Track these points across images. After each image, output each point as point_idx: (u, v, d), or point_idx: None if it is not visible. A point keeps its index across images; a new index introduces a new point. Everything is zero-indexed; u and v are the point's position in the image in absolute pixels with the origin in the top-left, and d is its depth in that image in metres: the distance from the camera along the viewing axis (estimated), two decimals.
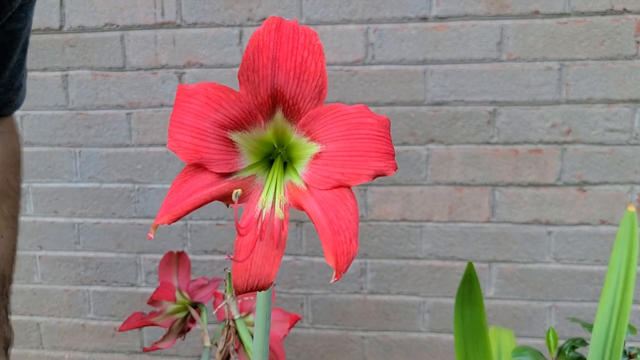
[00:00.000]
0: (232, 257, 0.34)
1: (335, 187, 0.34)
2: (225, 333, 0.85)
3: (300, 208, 0.35)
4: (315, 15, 1.28)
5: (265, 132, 0.36)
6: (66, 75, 1.39)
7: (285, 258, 1.38)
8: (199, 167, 0.34)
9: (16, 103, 0.76)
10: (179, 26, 1.33)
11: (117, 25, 1.34)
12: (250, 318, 0.88)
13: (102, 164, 1.41)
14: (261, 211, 0.35)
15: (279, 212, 0.35)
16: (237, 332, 0.85)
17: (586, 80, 1.24)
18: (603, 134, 1.25)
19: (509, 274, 1.33)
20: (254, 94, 0.34)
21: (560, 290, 1.32)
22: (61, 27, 1.37)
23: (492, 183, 1.30)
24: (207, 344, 0.87)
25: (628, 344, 0.78)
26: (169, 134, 0.34)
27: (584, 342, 0.84)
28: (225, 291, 0.83)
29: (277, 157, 0.37)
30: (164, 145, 1.38)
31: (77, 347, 1.51)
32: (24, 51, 0.72)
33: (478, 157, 1.29)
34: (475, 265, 1.32)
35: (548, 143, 1.27)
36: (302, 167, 0.36)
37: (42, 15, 1.36)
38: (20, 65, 0.72)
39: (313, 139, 0.34)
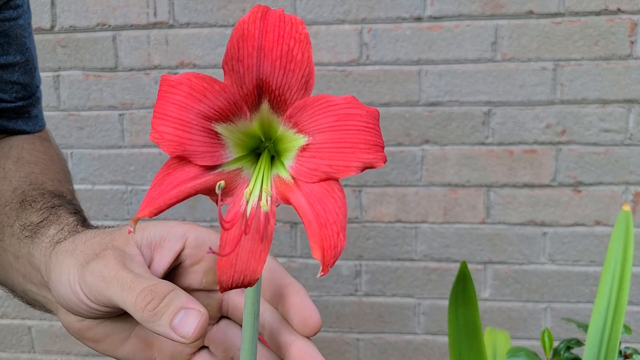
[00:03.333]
0: (215, 251, 0.34)
1: (323, 180, 0.33)
2: None
3: (288, 202, 0.34)
4: (310, 15, 1.27)
5: (251, 124, 0.35)
6: (57, 76, 1.38)
7: (279, 260, 1.37)
8: (182, 159, 0.34)
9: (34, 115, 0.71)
10: (171, 26, 1.32)
11: (109, 26, 1.34)
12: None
13: (95, 166, 1.40)
14: (247, 205, 0.34)
15: (264, 206, 0.34)
16: None
17: (580, 80, 1.24)
18: (598, 135, 1.25)
19: (504, 275, 1.32)
20: (238, 84, 0.33)
21: (555, 291, 1.32)
22: (52, 27, 1.36)
23: (487, 184, 1.29)
24: None
25: (623, 345, 0.78)
26: (152, 125, 0.33)
27: (579, 343, 0.84)
28: None
29: (264, 150, 0.36)
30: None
31: (69, 351, 1.50)
32: (20, 52, 0.68)
33: (473, 158, 1.29)
34: (471, 266, 1.31)
35: (543, 143, 1.27)
36: (289, 160, 0.35)
37: (33, 15, 1.35)
38: (23, 68, 0.68)
39: (300, 131, 0.34)
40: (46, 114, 1.43)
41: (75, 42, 1.35)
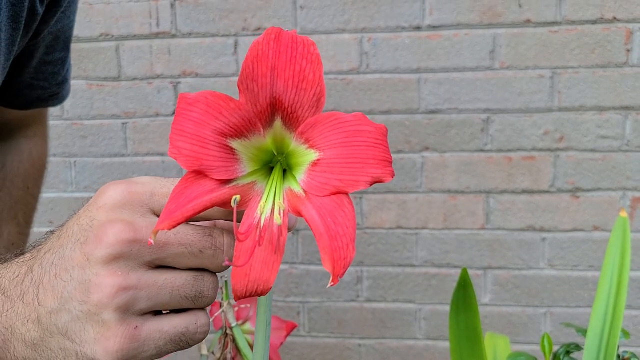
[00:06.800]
0: (231, 262, 0.35)
1: (333, 194, 0.35)
2: (223, 341, 0.85)
3: (299, 214, 0.36)
4: (310, 25, 1.29)
5: (265, 140, 0.36)
6: None
7: (281, 266, 1.38)
8: (199, 174, 0.35)
9: (62, 95, 0.82)
10: (174, 36, 1.33)
11: (113, 36, 1.35)
12: (247, 326, 0.88)
13: (98, 174, 1.41)
14: (260, 217, 0.35)
15: (277, 219, 0.35)
16: (234, 340, 0.85)
17: (578, 88, 1.25)
18: (595, 141, 1.27)
19: (504, 281, 1.34)
20: (253, 103, 0.34)
21: (555, 296, 1.33)
22: None
23: (487, 190, 1.31)
24: (204, 352, 0.87)
25: (622, 349, 0.79)
26: (170, 141, 0.35)
27: (578, 347, 0.85)
28: (222, 299, 0.83)
29: (276, 164, 0.38)
30: (160, 154, 1.39)
31: None
32: (66, 48, 0.78)
33: (472, 165, 1.30)
34: (471, 272, 1.32)
35: (541, 150, 1.28)
36: (300, 174, 0.36)
37: None
38: (64, 61, 0.79)
39: (311, 147, 0.35)
40: (50, 123, 1.44)
41: (79, 52, 1.37)
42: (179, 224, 0.35)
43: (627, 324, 1.32)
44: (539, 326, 1.35)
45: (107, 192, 0.39)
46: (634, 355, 0.80)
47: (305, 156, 0.36)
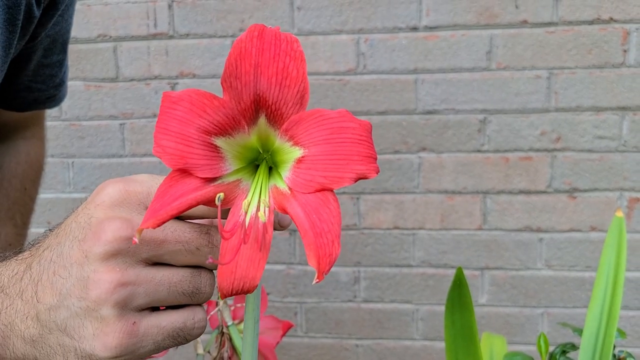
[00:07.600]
0: (216, 260, 0.35)
1: (318, 191, 0.35)
2: (219, 340, 0.85)
3: (285, 212, 0.36)
4: (307, 25, 1.29)
5: (250, 138, 0.36)
6: None
7: (278, 267, 1.39)
8: (184, 172, 0.35)
9: (59, 97, 0.82)
10: (171, 37, 1.34)
11: (110, 37, 1.35)
12: (243, 325, 0.88)
13: (96, 175, 1.41)
14: (245, 215, 0.36)
15: (262, 216, 0.35)
16: (230, 339, 0.85)
17: (574, 88, 1.25)
18: (592, 141, 1.27)
19: (501, 281, 1.34)
20: (237, 100, 0.34)
21: (552, 296, 1.33)
22: None
23: (483, 191, 1.31)
24: (200, 351, 0.87)
25: (617, 349, 0.79)
26: (155, 140, 0.35)
27: (574, 347, 0.85)
28: (218, 298, 0.83)
29: (262, 162, 0.38)
30: None
31: None
32: (63, 51, 0.78)
33: (469, 165, 1.30)
34: (468, 272, 1.32)
35: (538, 150, 1.28)
36: (286, 172, 0.36)
37: None
38: (61, 64, 0.79)
39: (296, 144, 0.35)
40: (48, 124, 1.44)
41: (77, 53, 1.37)
42: (163, 223, 0.35)
43: (624, 324, 1.32)
44: (536, 326, 1.35)
45: (104, 190, 0.40)
46: (629, 354, 0.80)
47: (290, 153, 0.36)
